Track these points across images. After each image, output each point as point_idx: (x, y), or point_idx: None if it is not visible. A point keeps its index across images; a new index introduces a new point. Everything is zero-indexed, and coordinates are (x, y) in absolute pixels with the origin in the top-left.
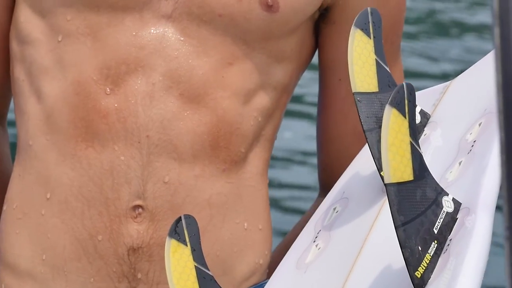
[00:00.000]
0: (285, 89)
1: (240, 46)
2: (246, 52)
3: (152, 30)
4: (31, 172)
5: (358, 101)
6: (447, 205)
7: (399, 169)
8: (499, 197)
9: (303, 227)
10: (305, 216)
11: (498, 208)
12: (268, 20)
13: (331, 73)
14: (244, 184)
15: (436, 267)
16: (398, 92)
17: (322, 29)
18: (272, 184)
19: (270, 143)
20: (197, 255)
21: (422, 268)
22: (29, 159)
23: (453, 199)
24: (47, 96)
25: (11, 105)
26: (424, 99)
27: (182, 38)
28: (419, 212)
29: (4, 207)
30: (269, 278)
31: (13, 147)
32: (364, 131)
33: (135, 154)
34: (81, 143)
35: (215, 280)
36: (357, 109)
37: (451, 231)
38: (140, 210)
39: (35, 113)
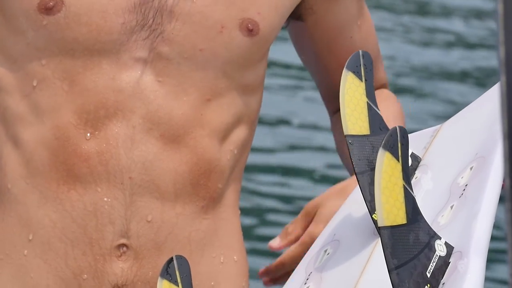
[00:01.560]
0: (257, 115)
1: (220, 79)
2: (225, 86)
3: (129, 73)
4: (11, 215)
5: (350, 143)
6: (440, 249)
7: (393, 213)
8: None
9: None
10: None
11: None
12: (249, 45)
13: (340, 37)
14: (220, 218)
15: None
16: (391, 136)
17: (305, 14)
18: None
19: (242, 173)
20: None
21: None
22: (8, 202)
23: (446, 243)
24: (25, 141)
25: None
26: (415, 142)
27: (160, 79)
28: (412, 256)
29: None
30: None
31: None
32: (355, 173)
33: (118, 195)
34: (63, 186)
35: None
36: (349, 152)
37: (443, 274)
38: (124, 248)
39: (13, 158)
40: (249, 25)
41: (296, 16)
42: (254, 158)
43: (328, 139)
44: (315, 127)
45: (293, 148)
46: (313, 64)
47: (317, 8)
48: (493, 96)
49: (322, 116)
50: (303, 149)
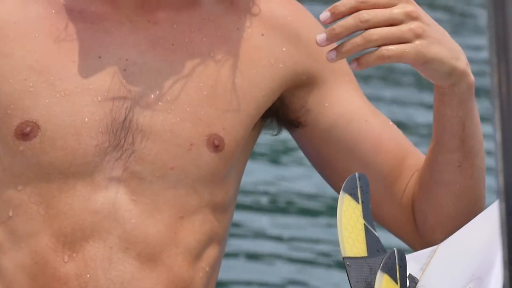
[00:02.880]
0: (227, 233)
1: (191, 196)
2: (196, 203)
3: (104, 193)
4: None
5: (348, 265)
6: None
7: None
8: None
9: None
10: None
11: None
12: (216, 160)
13: (354, 123)
14: None
15: None
16: (390, 258)
17: (301, 117)
18: None
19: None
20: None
21: None
22: None
23: None
24: (3, 268)
25: None
26: (412, 263)
27: (134, 198)
28: None
29: None
30: None
31: None
32: None
33: None
34: None
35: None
36: (347, 274)
37: None
38: None
39: None
40: (215, 141)
41: (293, 124)
42: None
43: None
44: None
45: None
46: (335, 169)
47: (311, 105)
48: (488, 216)
49: None
50: None
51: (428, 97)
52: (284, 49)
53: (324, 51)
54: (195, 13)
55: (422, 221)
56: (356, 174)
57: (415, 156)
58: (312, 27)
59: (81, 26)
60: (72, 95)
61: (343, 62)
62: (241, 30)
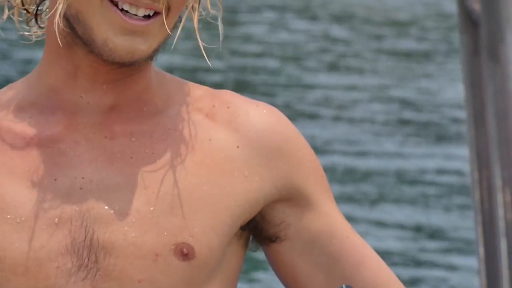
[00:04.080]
0: None
1: None
2: None
3: None
4: None
5: None
6: None
7: None
8: None
9: None
10: None
11: None
12: (188, 269)
13: (335, 240)
14: None
15: None
16: None
17: (280, 231)
18: None
19: None
20: None
21: None
22: None
23: None
24: None
25: None
26: None
27: None
28: None
29: None
30: None
31: None
32: None
33: None
34: None
35: None
36: None
37: None
38: None
39: None
40: (184, 249)
41: (271, 239)
42: None
43: None
44: None
45: None
46: (313, 283)
47: (292, 219)
48: None
49: None
50: None
51: None
52: (261, 162)
53: (306, 166)
54: (159, 124)
55: None
56: (343, 285)
57: (396, 283)
58: (294, 142)
59: (36, 151)
60: (28, 221)
61: (323, 178)
62: (213, 141)
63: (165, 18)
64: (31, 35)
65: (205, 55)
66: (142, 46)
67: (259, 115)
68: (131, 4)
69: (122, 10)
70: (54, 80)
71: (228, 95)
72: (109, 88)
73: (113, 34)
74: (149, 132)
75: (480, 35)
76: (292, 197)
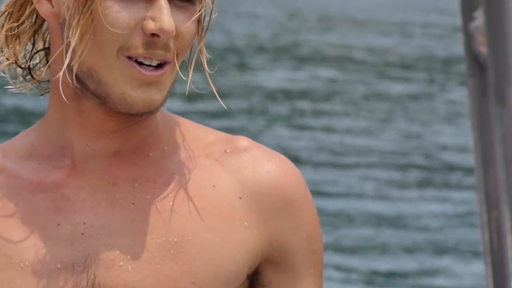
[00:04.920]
0: None
1: None
2: None
3: None
4: None
5: None
6: None
7: None
8: None
9: None
10: None
11: None
12: None
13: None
14: None
15: None
16: None
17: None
18: None
19: None
20: None
21: None
22: None
23: None
24: None
25: None
26: None
27: None
28: None
29: None
30: None
31: None
32: None
33: None
34: None
35: None
36: None
37: None
38: None
39: None
40: None
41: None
42: None
43: None
44: None
45: None
46: None
47: (274, 284)
48: None
49: None
50: None
51: None
52: (261, 218)
53: (302, 236)
54: (163, 169)
55: None
56: None
57: None
58: (297, 206)
59: (41, 196)
60: (31, 265)
61: (318, 251)
62: (217, 188)
63: (175, 65)
64: (24, 88)
65: (217, 96)
66: (157, 96)
67: (267, 171)
68: (145, 57)
69: (136, 61)
70: (62, 132)
71: (244, 142)
72: (116, 136)
73: (130, 88)
74: (153, 177)
75: (487, 78)
76: (280, 262)
